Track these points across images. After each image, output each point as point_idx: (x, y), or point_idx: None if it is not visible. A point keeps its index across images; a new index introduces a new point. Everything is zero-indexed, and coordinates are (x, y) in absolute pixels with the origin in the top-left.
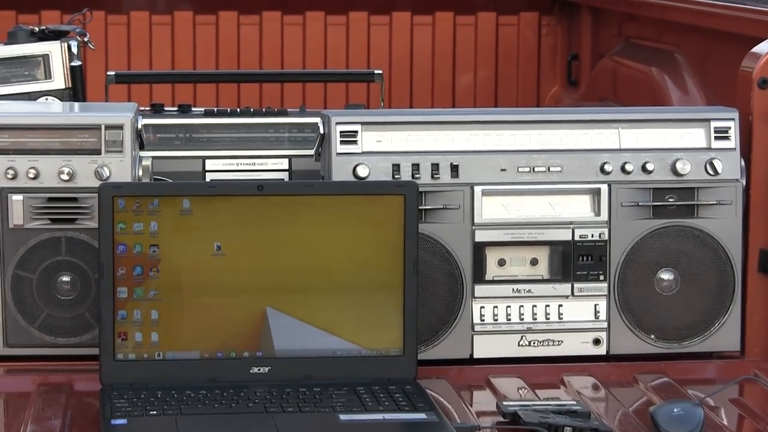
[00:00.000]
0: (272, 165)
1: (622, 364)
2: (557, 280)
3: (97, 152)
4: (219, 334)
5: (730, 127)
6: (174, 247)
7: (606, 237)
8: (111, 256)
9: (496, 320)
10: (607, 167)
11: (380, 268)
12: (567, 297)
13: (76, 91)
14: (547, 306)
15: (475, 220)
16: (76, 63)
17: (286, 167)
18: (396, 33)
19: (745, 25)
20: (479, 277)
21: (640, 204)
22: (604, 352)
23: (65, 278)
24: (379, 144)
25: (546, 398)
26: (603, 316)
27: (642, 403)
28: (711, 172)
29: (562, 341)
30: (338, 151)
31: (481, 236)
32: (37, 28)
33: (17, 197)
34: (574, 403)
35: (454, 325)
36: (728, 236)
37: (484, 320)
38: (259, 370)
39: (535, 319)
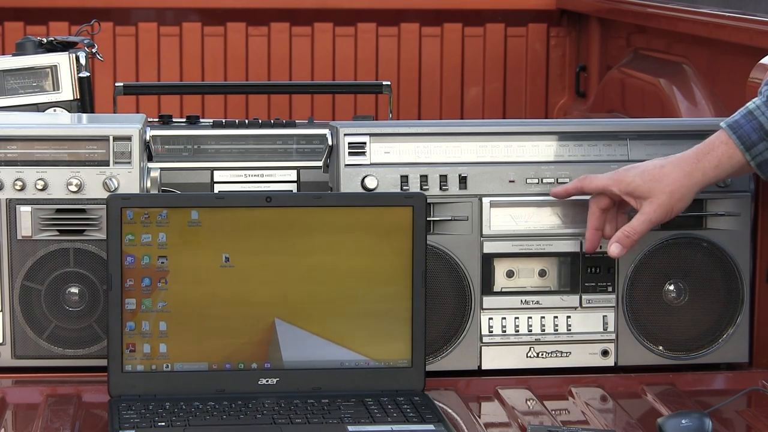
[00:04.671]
0: (280, 176)
1: (630, 376)
2: (565, 292)
3: (106, 164)
4: (227, 345)
5: None
6: (182, 259)
7: None
8: (119, 268)
9: (505, 332)
10: None
11: (388, 280)
12: (575, 308)
13: (84, 102)
14: (556, 317)
15: (484, 232)
16: (84, 74)
17: (295, 179)
18: (404, 44)
19: (753, 37)
20: (487, 288)
21: None
22: (613, 364)
23: (73, 289)
24: (387, 155)
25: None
26: (611, 327)
27: (650, 415)
28: (720, 184)
29: (570, 353)
30: (347, 163)
31: (489, 248)
32: (45, 40)
33: (25, 208)
34: None
35: (462, 337)
36: (736, 248)
37: (492, 332)
38: (267, 381)
39: (544, 330)
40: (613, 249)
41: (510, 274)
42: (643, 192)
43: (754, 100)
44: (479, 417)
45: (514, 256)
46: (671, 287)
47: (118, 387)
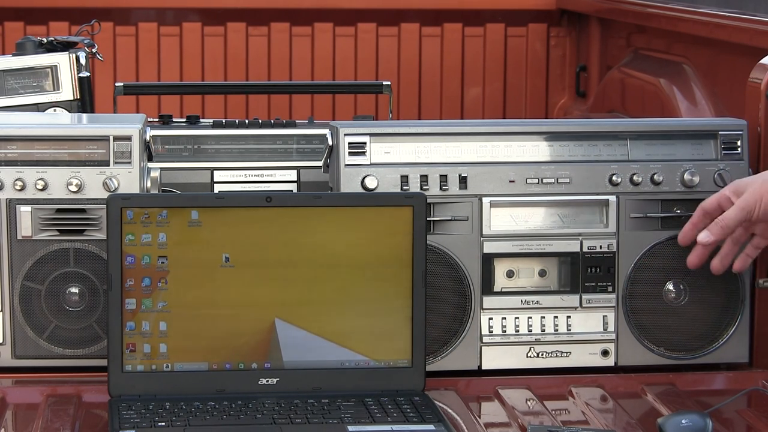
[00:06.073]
0: (281, 176)
1: (630, 376)
2: (565, 292)
3: (106, 164)
4: (227, 345)
5: (738, 139)
6: (182, 259)
7: (614, 248)
8: (119, 268)
9: (505, 332)
10: (616, 179)
11: (388, 280)
12: (575, 308)
13: (85, 102)
14: (556, 317)
15: (484, 232)
16: (85, 74)
17: (295, 179)
18: (404, 44)
19: (753, 37)
20: (487, 288)
21: (648, 215)
22: (613, 364)
23: (73, 289)
24: (387, 155)
25: (575, 423)
26: (611, 327)
27: (650, 415)
28: (720, 184)
29: (570, 353)
30: (347, 163)
31: (489, 248)
32: (45, 40)
33: (25, 208)
34: None
35: (462, 337)
36: None
37: (492, 332)
38: (267, 381)
39: (544, 330)
40: (701, 235)
41: (510, 274)
42: (743, 185)
43: None
44: (479, 417)
45: (514, 256)
46: (671, 287)
47: (118, 387)
